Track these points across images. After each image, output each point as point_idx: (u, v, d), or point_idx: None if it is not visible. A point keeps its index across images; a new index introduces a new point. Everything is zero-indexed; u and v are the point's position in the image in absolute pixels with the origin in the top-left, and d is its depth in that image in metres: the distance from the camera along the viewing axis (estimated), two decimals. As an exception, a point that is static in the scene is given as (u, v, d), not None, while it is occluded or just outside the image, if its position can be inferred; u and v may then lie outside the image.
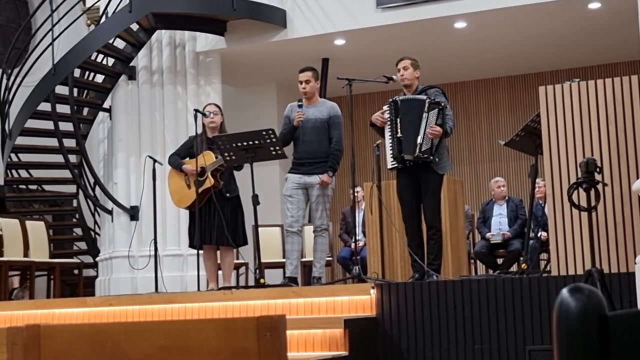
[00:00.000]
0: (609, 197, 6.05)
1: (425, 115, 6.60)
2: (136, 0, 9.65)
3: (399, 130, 6.67)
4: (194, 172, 7.41)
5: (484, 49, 10.99)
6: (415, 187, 6.76)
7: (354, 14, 9.94)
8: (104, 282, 10.18)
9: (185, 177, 7.60)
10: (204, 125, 7.67)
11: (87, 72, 10.66)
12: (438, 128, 6.55)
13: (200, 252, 7.70)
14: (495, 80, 12.52)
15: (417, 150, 6.58)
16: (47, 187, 11.39)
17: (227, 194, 7.45)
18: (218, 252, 7.67)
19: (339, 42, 10.43)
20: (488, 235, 9.72)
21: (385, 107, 6.83)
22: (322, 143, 7.24)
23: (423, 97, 6.71)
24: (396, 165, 6.76)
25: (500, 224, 9.78)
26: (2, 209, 10.49)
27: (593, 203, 5.42)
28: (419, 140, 6.57)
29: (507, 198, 9.96)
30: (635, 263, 5.33)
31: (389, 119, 6.75)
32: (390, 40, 10.17)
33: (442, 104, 6.62)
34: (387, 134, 6.77)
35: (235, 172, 7.62)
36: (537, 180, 7.84)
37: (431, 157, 6.58)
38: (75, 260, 10.61)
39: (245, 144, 7.01)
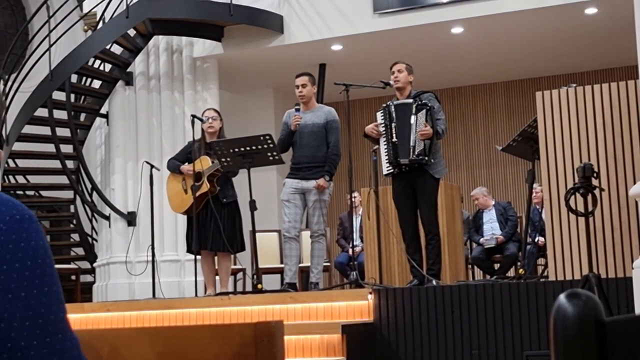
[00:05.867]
0: (606, 202, 6.06)
1: (414, 117, 6.64)
2: (133, 6, 9.66)
3: (394, 135, 6.70)
4: (191, 172, 7.40)
5: (480, 55, 11.01)
6: (411, 192, 6.77)
7: (351, 19, 9.95)
8: (102, 287, 10.16)
9: (183, 182, 7.61)
10: (202, 130, 7.67)
11: (84, 78, 10.65)
12: (428, 128, 6.59)
13: (198, 257, 7.70)
14: (492, 86, 12.53)
15: (411, 153, 6.61)
16: (44, 193, 11.38)
17: (224, 200, 7.45)
18: (216, 257, 7.67)
19: (336, 47, 10.44)
20: (482, 240, 9.76)
21: (379, 116, 6.86)
22: (320, 148, 7.25)
23: (410, 100, 6.76)
24: (392, 170, 6.79)
25: (492, 229, 9.85)
26: (-1, 214, 10.46)
27: (590, 208, 5.43)
28: (412, 142, 6.61)
29: (493, 204, 10.04)
30: (633, 268, 5.34)
31: (383, 126, 6.78)
32: (387, 46, 10.18)
33: (429, 105, 6.66)
34: (382, 140, 6.80)
35: (232, 178, 7.63)
36: (534, 185, 7.86)
37: (426, 158, 6.61)
38: (72, 266, 10.60)
39: (242, 149, 7.02)
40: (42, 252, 1.28)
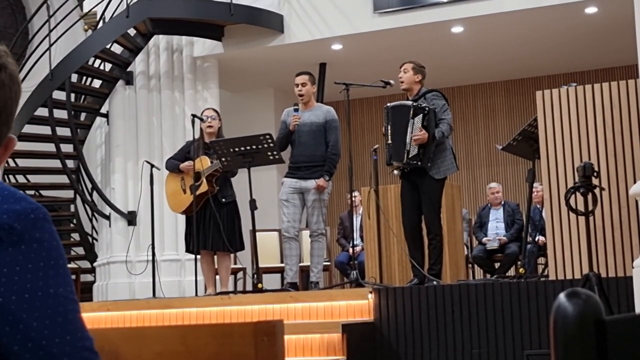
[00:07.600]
0: (606, 201, 6.06)
1: (410, 121, 6.61)
2: (133, 6, 9.66)
3: (389, 137, 6.70)
4: (191, 169, 7.39)
5: (481, 54, 11.00)
6: (415, 191, 6.77)
7: (351, 18, 9.95)
8: (102, 287, 10.17)
9: (182, 181, 7.61)
10: (201, 130, 7.67)
11: (84, 77, 10.65)
12: (423, 133, 6.55)
13: (198, 257, 7.70)
14: (492, 85, 12.53)
15: (405, 157, 6.60)
16: (44, 193, 11.37)
17: (223, 199, 7.45)
18: (215, 256, 7.67)
19: (336, 47, 10.44)
20: (484, 240, 9.72)
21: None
22: (319, 147, 7.24)
23: (409, 102, 6.73)
24: (393, 171, 6.81)
25: (497, 228, 9.78)
26: (-1, 214, 10.45)
27: (590, 207, 5.42)
28: (407, 147, 6.60)
29: (503, 203, 9.97)
30: (633, 267, 5.34)
31: (384, 127, 6.80)
32: (387, 45, 10.18)
33: (427, 109, 6.62)
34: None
35: (231, 178, 7.63)
36: (535, 184, 7.85)
37: (419, 163, 6.59)
38: (72, 265, 10.60)
39: (242, 148, 7.02)
40: (55, 253, 1.30)
